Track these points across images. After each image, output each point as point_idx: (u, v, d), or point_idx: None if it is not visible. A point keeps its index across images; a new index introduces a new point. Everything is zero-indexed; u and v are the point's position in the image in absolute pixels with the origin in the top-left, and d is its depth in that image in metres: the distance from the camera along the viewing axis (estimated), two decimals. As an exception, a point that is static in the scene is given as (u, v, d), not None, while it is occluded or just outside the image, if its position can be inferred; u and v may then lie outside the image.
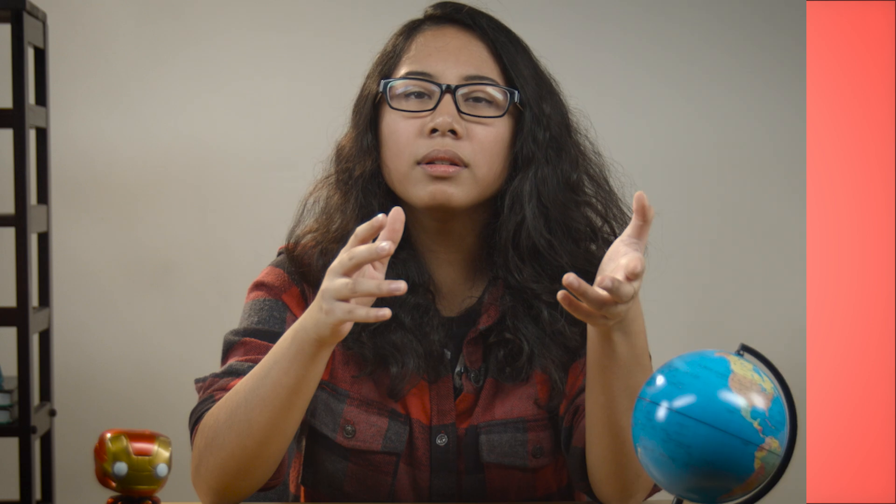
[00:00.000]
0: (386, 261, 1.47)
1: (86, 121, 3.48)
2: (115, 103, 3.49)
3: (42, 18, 3.05)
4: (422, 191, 1.64)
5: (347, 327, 1.46)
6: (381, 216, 1.42)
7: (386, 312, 1.38)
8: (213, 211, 3.50)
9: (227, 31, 3.50)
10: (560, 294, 1.39)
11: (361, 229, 1.42)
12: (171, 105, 3.49)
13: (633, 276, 1.38)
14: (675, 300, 3.50)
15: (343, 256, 1.42)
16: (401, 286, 1.38)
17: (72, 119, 3.46)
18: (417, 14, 1.78)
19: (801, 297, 3.51)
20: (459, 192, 1.64)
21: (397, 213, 1.45)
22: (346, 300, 1.41)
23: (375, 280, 1.41)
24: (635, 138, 3.49)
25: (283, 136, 3.49)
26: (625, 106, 3.52)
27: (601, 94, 3.46)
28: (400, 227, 1.45)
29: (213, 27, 3.50)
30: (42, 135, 3.08)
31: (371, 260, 1.40)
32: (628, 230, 1.46)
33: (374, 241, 1.44)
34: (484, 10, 1.73)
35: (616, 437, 1.54)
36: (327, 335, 1.46)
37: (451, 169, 1.63)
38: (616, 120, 3.43)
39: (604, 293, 1.38)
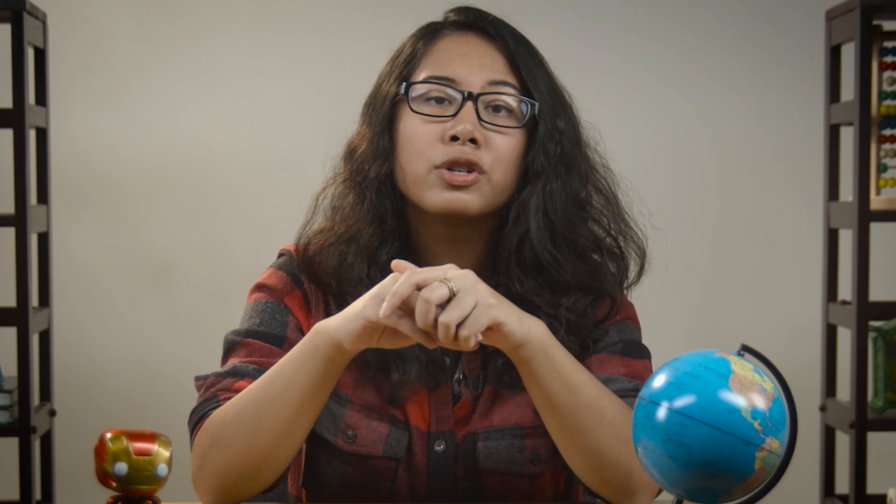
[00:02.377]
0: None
1: (86, 121, 3.48)
2: (115, 103, 3.49)
3: (42, 18, 3.05)
4: (437, 196, 1.64)
5: (364, 338, 1.48)
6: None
7: (428, 344, 1.48)
8: (213, 211, 3.50)
9: (227, 31, 3.50)
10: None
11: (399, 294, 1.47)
12: (171, 105, 3.49)
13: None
14: (675, 300, 3.50)
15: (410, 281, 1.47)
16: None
17: (72, 119, 3.46)
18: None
19: (800, 297, 3.51)
20: (475, 199, 1.64)
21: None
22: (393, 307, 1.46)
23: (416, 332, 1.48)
24: (635, 138, 3.49)
25: (283, 136, 3.49)
26: (625, 106, 3.52)
27: (601, 94, 3.46)
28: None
29: (212, 27, 3.50)
30: (42, 135, 3.08)
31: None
32: None
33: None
34: (506, 20, 1.72)
35: (581, 448, 1.56)
36: (344, 339, 1.48)
37: (470, 177, 1.63)
38: (616, 120, 3.43)
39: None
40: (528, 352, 1.51)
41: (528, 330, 1.51)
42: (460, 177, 1.63)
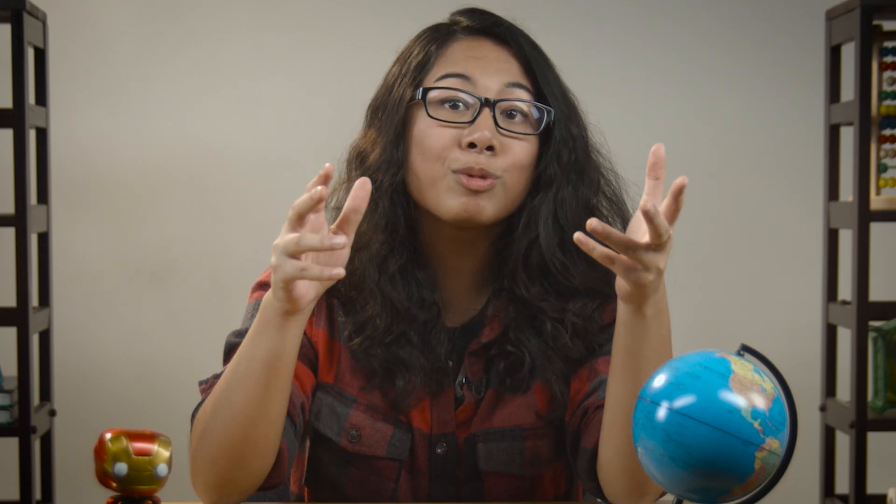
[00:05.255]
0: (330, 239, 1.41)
1: (86, 121, 3.48)
2: (115, 103, 3.49)
3: (42, 18, 3.05)
4: (453, 201, 1.62)
5: (304, 294, 1.44)
6: (320, 189, 1.38)
7: (340, 272, 1.36)
8: (213, 211, 3.50)
9: (227, 31, 3.50)
10: (577, 236, 1.37)
11: (300, 204, 1.39)
12: (171, 105, 3.49)
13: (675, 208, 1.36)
14: (675, 300, 3.47)
15: (290, 213, 1.40)
16: (339, 241, 1.36)
17: (72, 119, 3.46)
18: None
19: (800, 297, 3.51)
20: (491, 205, 1.63)
21: (363, 182, 1.42)
22: (296, 257, 1.39)
23: (318, 235, 1.39)
24: (635, 138, 3.48)
25: (283, 136, 3.49)
26: (625, 106, 3.51)
27: (601, 94, 3.45)
28: (365, 195, 1.42)
29: (213, 27, 3.50)
30: (42, 135, 3.08)
31: (321, 250, 1.38)
32: (644, 194, 1.43)
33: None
34: (519, 26, 1.71)
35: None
36: (284, 301, 1.44)
37: (487, 183, 1.62)
38: (616, 120, 3.42)
39: (627, 238, 1.36)
40: (651, 305, 1.46)
41: (663, 291, 1.47)
42: (477, 182, 1.61)
